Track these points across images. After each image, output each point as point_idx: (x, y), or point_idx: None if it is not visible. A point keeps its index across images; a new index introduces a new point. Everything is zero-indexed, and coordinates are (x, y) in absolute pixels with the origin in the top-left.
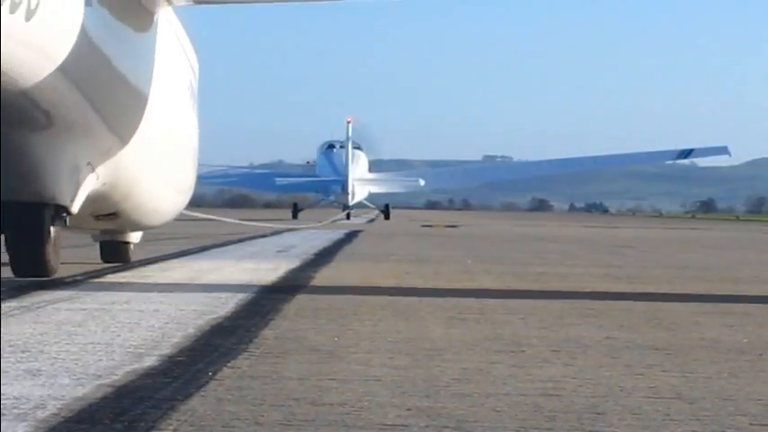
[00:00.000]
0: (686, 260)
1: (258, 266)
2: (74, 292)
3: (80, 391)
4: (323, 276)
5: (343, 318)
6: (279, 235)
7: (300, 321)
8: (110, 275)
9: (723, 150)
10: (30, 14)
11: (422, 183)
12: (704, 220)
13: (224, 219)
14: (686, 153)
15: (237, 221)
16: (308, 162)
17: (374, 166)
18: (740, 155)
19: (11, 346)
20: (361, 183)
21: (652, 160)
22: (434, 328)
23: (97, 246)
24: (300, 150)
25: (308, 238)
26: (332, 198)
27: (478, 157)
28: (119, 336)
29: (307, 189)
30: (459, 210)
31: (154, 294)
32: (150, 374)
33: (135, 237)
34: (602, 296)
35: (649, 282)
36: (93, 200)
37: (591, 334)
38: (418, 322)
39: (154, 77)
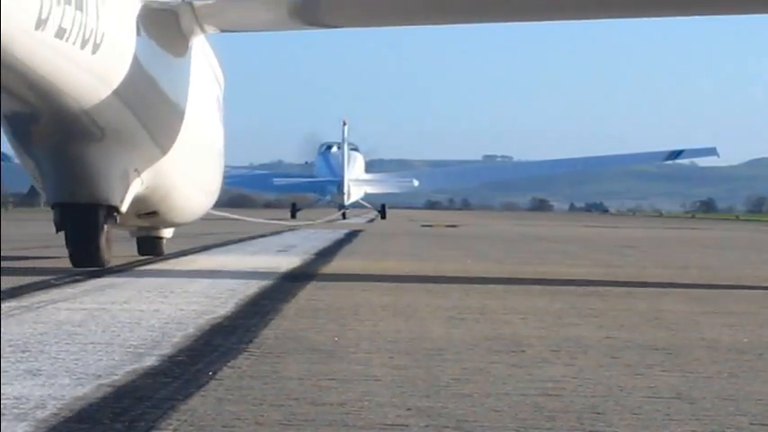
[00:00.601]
0: (686, 260)
1: (258, 266)
2: (74, 292)
3: (80, 391)
4: (323, 276)
5: (343, 318)
6: (279, 235)
7: (300, 321)
8: (109, 275)
9: (712, 151)
10: (95, 48)
11: (416, 183)
12: (704, 220)
13: (247, 218)
14: (676, 154)
15: (263, 221)
16: (306, 162)
17: (375, 165)
18: (740, 155)
19: (11, 346)
20: (357, 183)
21: (642, 161)
22: (434, 328)
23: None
24: (300, 150)
25: (308, 237)
26: (328, 198)
27: (478, 157)
28: (119, 336)
29: (304, 189)
30: (459, 210)
31: (154, 294)
32: (150, 374)
33: (168, 232)
34: (602, 296)
35: (649, 281)
36: (137, 200)
37: (591, 334)
38: (418, 322)
39: (189, 95)
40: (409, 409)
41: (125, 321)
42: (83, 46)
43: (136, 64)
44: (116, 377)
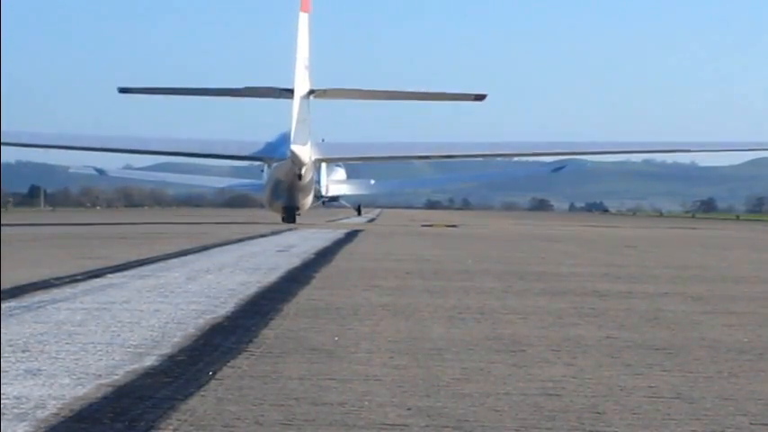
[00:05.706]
0: (686, 260)
1: (258, 266)
2: (74, 292)
3: (80, 391)
4: (323, 276)
5: (343, 318)
6: (279, 234)
7: (300, 321)
8: (110, 275)
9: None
10: (307, 176)
11: (372, 182)
12: (704, 220)
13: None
14: (562, 166)
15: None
16: None
17: (376, 165)
18: (740, 155)
19: (11, 345)
20: (335, 183)
21: (534, 172)
22: (434, 328)
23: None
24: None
25: (308, 237)
26: None
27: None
28: (119, 336)
29: None
30: (460, 209)
31: (154, 294)
32: (150, 374)
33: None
34: (602, 296)
35: (649, 281)
36: (300, 205)
37: (591, 334)
38: (418, 322)
39: (316, 177)
40: (409, 409)
41: (125, 321)
42: (308, 173)
43: (313, 174)
44: (116, 377)
